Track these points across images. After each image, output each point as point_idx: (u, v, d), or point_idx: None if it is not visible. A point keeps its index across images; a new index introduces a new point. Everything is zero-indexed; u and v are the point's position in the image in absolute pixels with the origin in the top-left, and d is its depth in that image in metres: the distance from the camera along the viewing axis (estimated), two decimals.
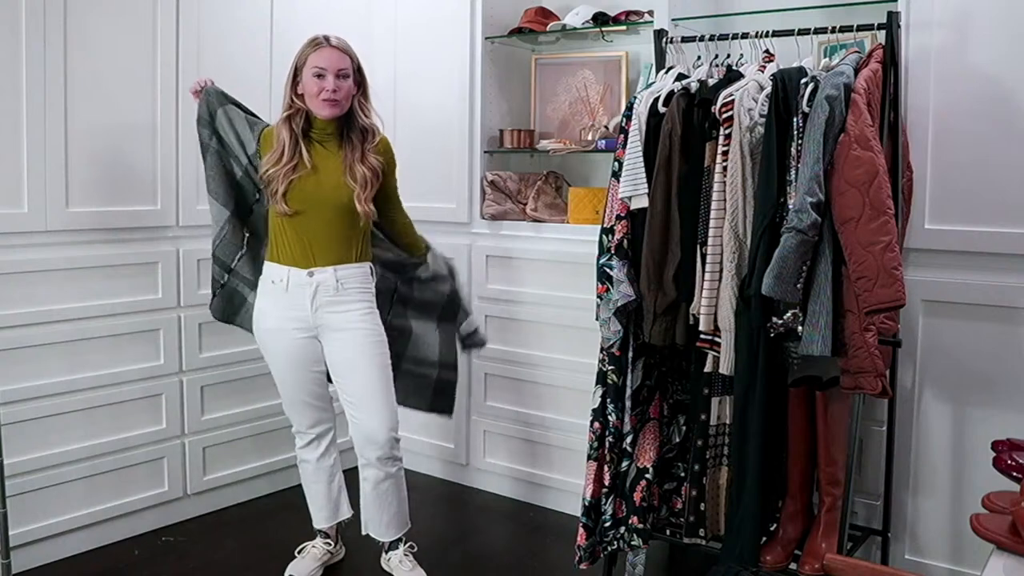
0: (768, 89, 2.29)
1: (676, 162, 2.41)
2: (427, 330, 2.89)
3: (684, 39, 2.72)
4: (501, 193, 3.49)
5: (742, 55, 2.57)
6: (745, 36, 2.53)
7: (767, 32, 2.50)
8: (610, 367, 2.53)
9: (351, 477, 2.85)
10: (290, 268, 2.61)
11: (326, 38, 2.61)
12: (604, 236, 2.52)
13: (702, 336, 2.37)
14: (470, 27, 3.49)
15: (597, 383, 2.57)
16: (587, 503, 2.58)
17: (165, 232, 3.11)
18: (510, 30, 3.55)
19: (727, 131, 2.31)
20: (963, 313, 2.53)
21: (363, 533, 2.81)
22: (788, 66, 2.36)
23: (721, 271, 2.33)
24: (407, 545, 2.81)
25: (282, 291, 2.62)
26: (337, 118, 2.61)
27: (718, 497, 2.55)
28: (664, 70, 2.62)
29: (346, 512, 2.86)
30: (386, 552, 2.83)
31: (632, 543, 2.55)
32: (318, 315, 2.62)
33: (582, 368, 3.10)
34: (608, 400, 2.54)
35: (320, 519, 2.85)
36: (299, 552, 2.86)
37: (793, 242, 2.15)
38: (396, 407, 2.71)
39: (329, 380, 2.77)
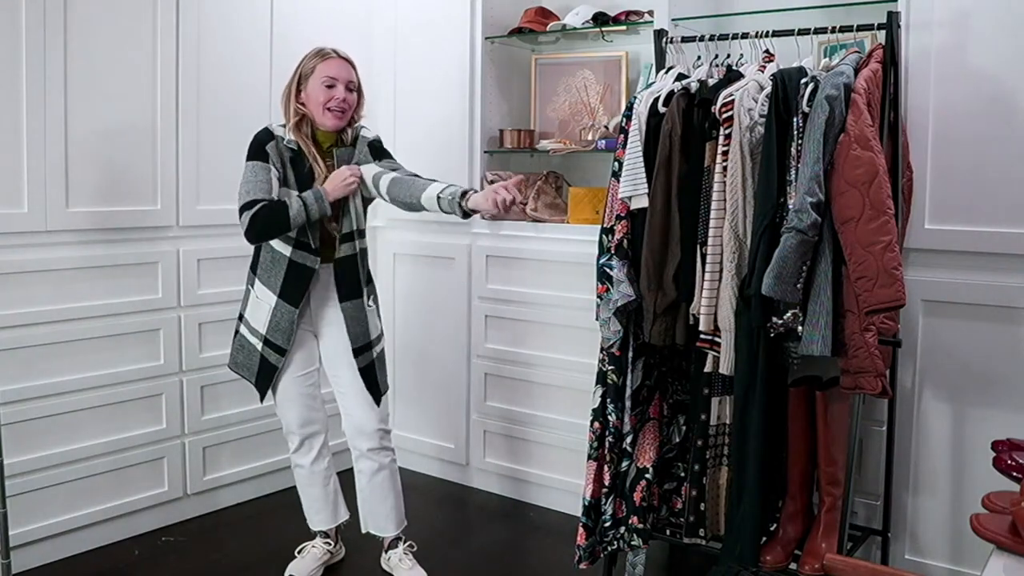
0: (768, 89, 2.29)
1: (676, 162, 2.41)
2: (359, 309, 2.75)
3: (684, 39, 2.72)
4: None
5: (742, 55, 2.57)
6: (745, 36, 2.53)
7: (767, 32, 2.50)
8: (610, 367, 2.53)
9: (347, 479, 2.85)
10: None
11: (334, 50, 2.64)
12: (604, 236, 2.52)
13: (702, 336, 2.37)
14: (470, 27, 3.49)
15: (597, 383, 2.57)
16: (587, 503, 2.57)
17: (165, 232, 3.11)
18: (510, 30, 3.55)
19: (727, 131, 2.31)
20: (963, 313, 2.53)
21: (363, 531, 2.82)
22: (788, 66, 2.35)
23: (721, 271, 2.33)
24: (407, 544, 2.82)
25: None
26: (337, 131, 2.65)
27: (718, 497, 2.55)
28: (664, 70, 2.62)
29: (343, 515, 2.87)
30: (386, 551, 2.84)
31: (632, 543, 2.55)
32: (315, 307, 2.69)
33: (582, 368, 3.11)
34: (608, 400, 2.54)
35: (317, 522, 2.85)
36: (299, 552, 2.86)
37: (793, 242, 2.15)
38: (385, 400, 2.75)
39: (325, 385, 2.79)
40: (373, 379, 2.73)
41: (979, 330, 2.52)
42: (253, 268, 2.69)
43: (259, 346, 2.66)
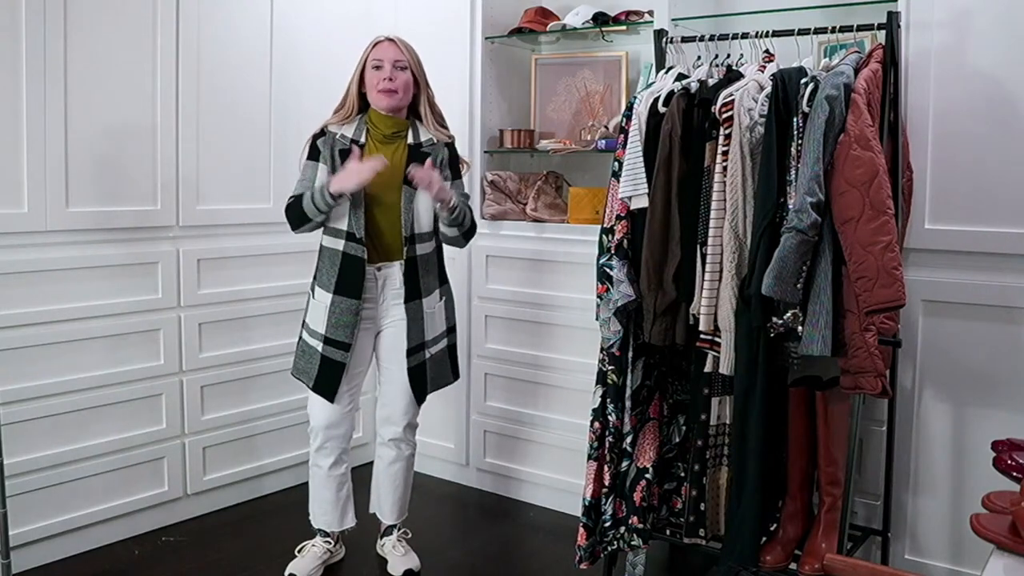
0: (768, 89, 2.29)
1: (676, 162, 2.41)
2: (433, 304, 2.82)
3: (684, 39, 2.72)
4: (501, 193, 3.49)
5: (742, 55, 2.57)
6: (745, 36, 2.54)
7: (767, 32, 2.50)
8: (610, 367, 2.53)
9: (359, 476, 2.86)
10: None
11: (386, 36, 2.72)
12: (604, 236, 2.52)
13: (702, 336, 2.37)
14: (470, 27, 3.49)
15: (597, 383, 2.57)
16: (587, 503, 2.58)
17: (165, 232, 3.11)
18: (510, 30, 3.55)
19: (727, 131, 2.31)
20: (963, 313, 2.53)
21: (370, 511, 2.92)
22: (788, 66, 2.36)
23: (721, 271, 2.33)
24: (401, 531, 2.90)
25: None
26: (399, 117, 2.70)
27: (718, 497, 2.55)
28: (664, 70, 2.62)
29: (350, 522, 2.88)
30: (381, 538, 2.92)
31: (632, 543, 2.55)
32: (384, 306, 2.72)
33: (582, 368, 3.11)
34: (608, 400, 2.54)
35: (322, 523, 2.86)
36: (299, 551, 2.87)
37: (793, 242, 2.15)
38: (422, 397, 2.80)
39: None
40: (421, 379, 2.76)
41: (979, 330, 2.52)
42: (314, 277, 2.74)
43: (319, 347, 2.68)
